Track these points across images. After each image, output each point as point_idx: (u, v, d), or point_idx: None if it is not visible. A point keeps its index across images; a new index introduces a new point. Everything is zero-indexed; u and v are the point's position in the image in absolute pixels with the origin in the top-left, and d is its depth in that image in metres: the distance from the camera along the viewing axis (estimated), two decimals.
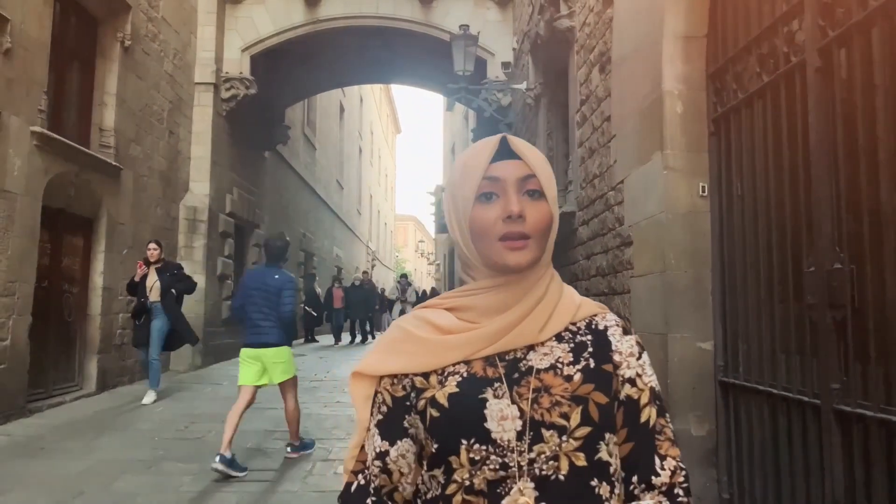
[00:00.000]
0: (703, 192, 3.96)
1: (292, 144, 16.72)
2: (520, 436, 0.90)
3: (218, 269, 11.54)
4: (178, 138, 10.63)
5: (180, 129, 10.69)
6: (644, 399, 0.98)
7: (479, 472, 0.90)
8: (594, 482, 0.90)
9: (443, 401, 0.93)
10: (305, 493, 4.53)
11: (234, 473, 4.76)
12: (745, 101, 3.52)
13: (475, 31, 10.46)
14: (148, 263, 7.61)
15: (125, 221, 8.78)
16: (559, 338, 0.97)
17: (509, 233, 0.94)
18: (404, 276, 20.87)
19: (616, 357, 0.99)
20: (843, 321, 2.63)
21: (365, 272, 22.01)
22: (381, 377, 1.00)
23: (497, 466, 0.89)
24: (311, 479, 4.85)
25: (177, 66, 10.48)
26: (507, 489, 0.89)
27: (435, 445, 0.93)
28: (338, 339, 17.00)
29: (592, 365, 0.96)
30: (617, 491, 0.93)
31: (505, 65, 11.10)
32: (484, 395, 0.92)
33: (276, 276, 5.33)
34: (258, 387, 5.28)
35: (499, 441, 0.90)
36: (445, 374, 0.95)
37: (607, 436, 0.93)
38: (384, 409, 0.99)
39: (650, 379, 1.00)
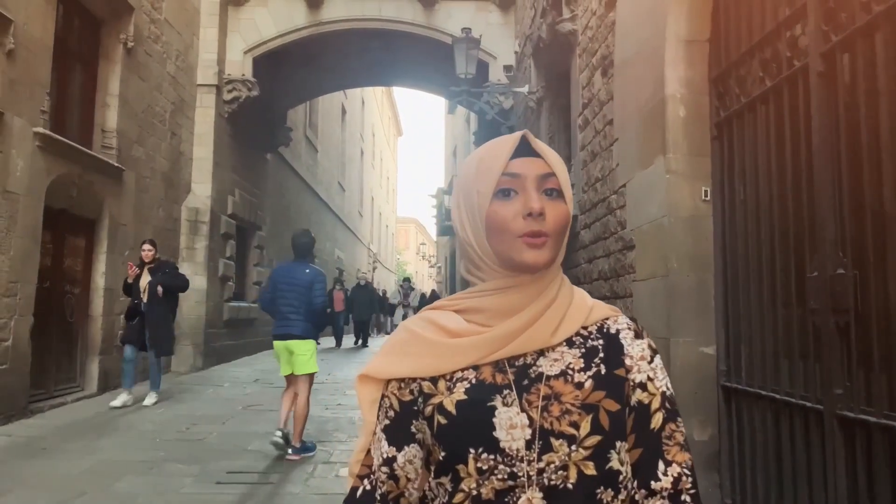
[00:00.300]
0: (706, 196, 3.96)
1: (294, 146, 16.74)
2: (529, 445, 0.88)
3: (219, 270, 11.55)
4: (181, 140, 10.65)
5: (182, 130, 10.70)
6: (655, 404, 0.96)
7: (486, 482, 0.88)
8: (599, 489, 0.89)
9: (451, 408, 0.91)
10: (307, 496, 4.52)
11: (307, 455, 5.30)
12: (748, 106, 3.52)
13: (477, 34, 10.47)
14: (141, 265, 7.51)
15: (127, 222, 8.79)
16: (570, 343, 0.95)
17: (529, 230, 0.91)
18: (407, 279, 20.82)
19: (628, 361, 0.96)
20: (846, 326, 2.63)
21: (363, 273, 21.97)
22: (388, 381, 0.98)
23: (505, 476, 0.87)
24: (312, 481, 4.84)
25: (179, 67, 10.50)
26: (515, 498, 0.87)
27: (442, 453, 0.91)
28: (339, 342, 16.86)
29: (604, 371, 0.94)
30: (621, 496, 0.91)
31: (507, 68, 11.12)
32: (493, 403, 0.90)
33: (307, 271, 5.58)
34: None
35: (507, 450, 0.88)
36: (454, 379, 0.93)
37: (618, 444, 0.91)
38: (391, 413, 0.97)
39: (662, 383, 0.98)
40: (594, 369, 0.93)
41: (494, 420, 0.89)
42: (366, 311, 17.44)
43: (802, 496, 2.92)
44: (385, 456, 0.97)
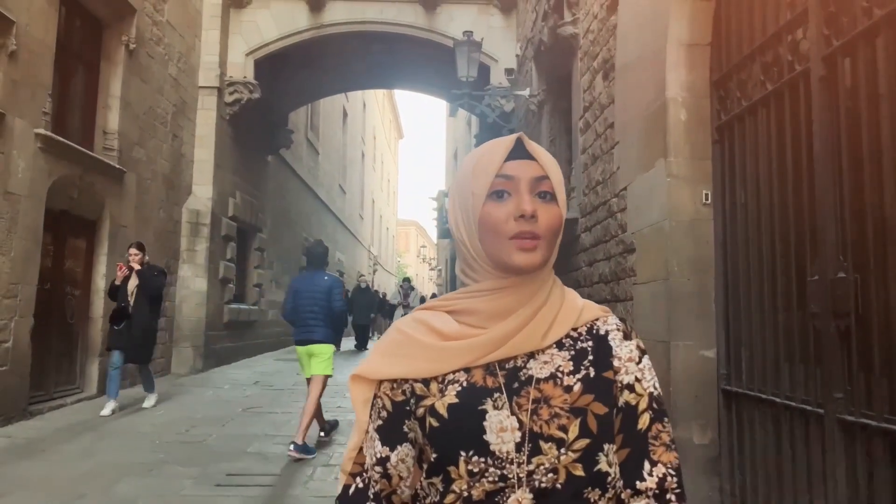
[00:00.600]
0: (707, 199, 3.96)
1: (295, 149, 16.75)
2: (518, 447, 0.89)
3: (220, 272, 11.55)
4: (182, 142, 10.66)
5: (184, 132, 10.71)
6: (642, 405, 0.97)
7: (477, 484, 0.89)
8: (587, 489, 0.90)
9: (442, 411, 0.92)
10: (307, 498, 4.52)
11: (306, 457, 5.35)
12: (749, 110, 3.53)
13: (479, 37, 10.48)
14: (130, 266, 7.28)
15: (128, 224, 8.79)
16: (560, 345, 0.96)
17: (521, 232, 0.92)
18: (407, 280, 20.66)
19: (616, 363, 0.97)
20: (847, 330, 2.62)
21: (364, 276, 21.90)
22: (381, 381, 0.99)
23: (496, 478, 0.89)
24: (312, 483, 4.84)
25: (181, 69, 10.52)
26: (504, 498, 0.89)
27: (434, 454, 0.93)
28: (338, 345, 16.77)
29: (592, 374, 0.95)
30: (608, 495, 0.92)
31: (508, 71, 11.13)
32: (484, 407, 0.91)
33: (325, 278, 5.97)
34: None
35: (497, 453, 0.89)
36: (445, 381, 0.94)
37: (606, 447, 0.92)
38: (384, 413, 0.98)
39: (649, 384, 0.98)
40: (583, 372, 0.94)
41: (485, 424, 0.90)
42: (366, 315, 17.28)
43: (803, 500, 2.92)
44: (378, 456, 0.98)
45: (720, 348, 3.83)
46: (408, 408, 0.96)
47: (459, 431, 0.91)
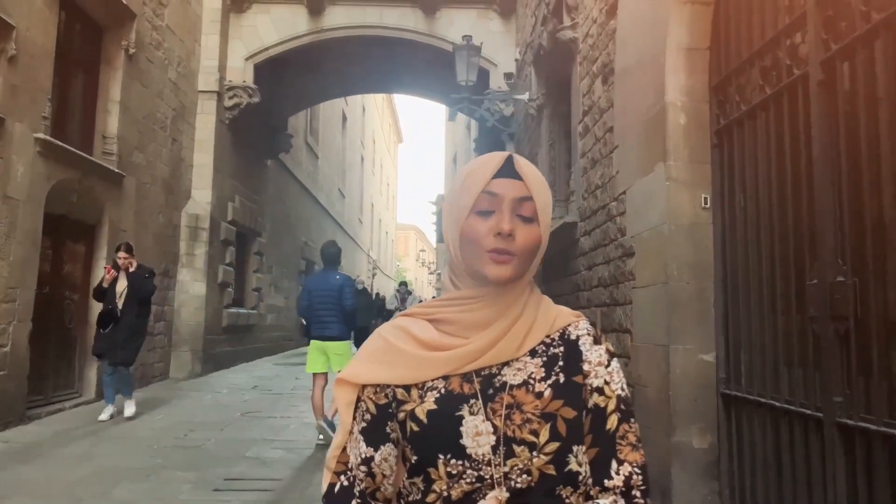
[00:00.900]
0: (706, 203, 3.96)
1: (294, 153, 16.76)
2: (493, 450, 0.95)
3: (219, 276, 11.54)
4: (181, 146, 10.66)
5: (183, 136, 10.72)
6: (611, 406, 1.02)
7: (456, 485, 0.95)
8: (559, 487, 0.96)
9: (422, 416, 0.98)
10: (305, 502, 4.50)
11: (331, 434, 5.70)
12: (748, 114, 3.53)
13: (478, 41, 10.50)
14: (117, 268, 7.01)
15: (127, 228, 8.78)
16: (533, 352, 1.02)
17: (498, 248, 0.98)
18: (404, 283, 20.48)
19: (586, 367, 1.03)
20: (846, 334, 2.62)
21: (361, 279, 21.78)
22: (365, 385, 1.04)
23: (473, 480, 0.95)
24: (311, 488, 4.82)
25: (180, 74, 10.53)
26: (482, 496, 0.94)
27: (414, 457, 0.99)
28: (353, 339, 16.54)
29: (562, 379, 1.00)
30: (580, 491, 0.98)
31: (507, 75, 11.14)
32: (460, 413, 0.97)
33: (337, 277, 6.29)
34: (324, 373, 6.21)
35: (474, 456, 0.95)
36: (425, 388, 1.00)
37: (575, 448, 0.98)
38: (368, 416, 1.03)
39: (618, 386, 1.04)
40: (553, 378, 1.00)
41: (461, 429, 0.96)
42: (365, 317, 17.22)
43: None
44: (363, 456, 1.03)
45: (719, 352, 3.82)
46: (390, 410, 1.02)
47: (438, 436, 0.97)
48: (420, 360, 1.00)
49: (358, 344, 17.19)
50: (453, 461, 0.95)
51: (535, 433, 0.96)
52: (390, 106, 41.74)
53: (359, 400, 1.04)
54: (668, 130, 4.05)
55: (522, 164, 1.03)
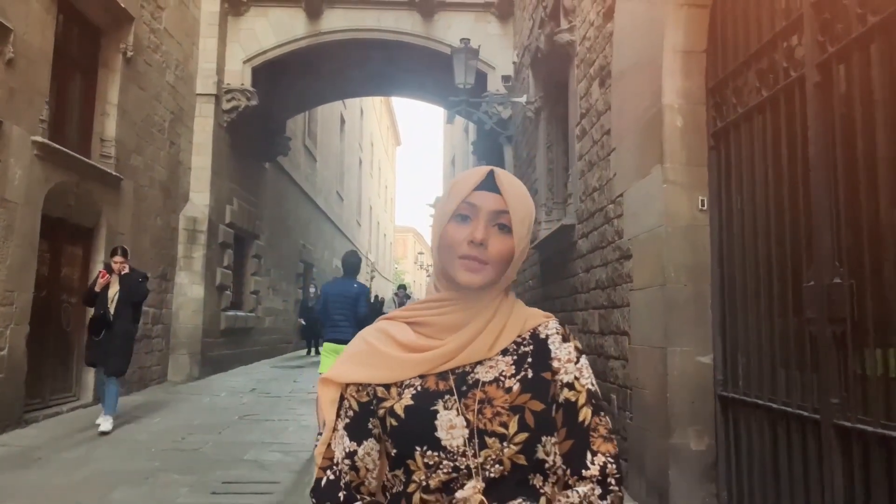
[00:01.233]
0: (703, 205, 3.97)
1: (293, 156, 16.76)
2: (467, 442, 1.02)
3: (217, 279, 11.53)
4: (179, 149, 10.66)
5: (181, 139, 10.72)
6: (581, 400, 1.08)
7: (434, 475, 1.02)
8: (531, 475, 1.03)
9: (400, 412, 1.05)
10: None
11: None
12: (745, 116, 3.54)
13: (476, 44, 10.51)
14: (111, 272, 6.68)
15: (125, 231, 8.77)
16: (505, 351, 1.09)
17: (469, 254, 1.05)
18: (402, 286, 20.47)
19: (555, 364, 1.10)
20: (843, 335, 2.63)
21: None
22: (348, 384, 1.11)
23: (449, 470, 1.02)
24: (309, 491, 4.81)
25: (179, 76, 10.53)
26: (459, 485, 1.01)
27: (394, 450, 1.06)
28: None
29: (531, 375, 1.07)
30: (552, 480, 1.05)
31: (505, 78, 11.15)
32: (435, 408, 1.04)
33: (355, 286, 6.51)
34: None
35: (449, 448, 1.02)
36: (403, 386, 1.07)
37: (544, 438, 1.04)
38: (351, 413, 1.10)
39: (587, 381, 1.10)
40: (522, 373, 1.07)
41: (436, 422, 1.04)
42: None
43: None
44: (347, 450, 1.10)
45: (717, 354, 3.83)
46: (371, 408, 1.09)
47: (414, 430, 1.04)
48: (398, 361, 1.08)
49: None
50: (430, 452, 1.02)
51: (505, 425, 1.02)
52: (388, 109, 41.75)
53: (342, 398, 1.11)
54: (665, 133, 4.06)
55: (503, 178, 1.10)
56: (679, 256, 3.96)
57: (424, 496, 1.02)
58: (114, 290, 6.68)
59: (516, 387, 1.05)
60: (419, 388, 1.07)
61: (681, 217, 3.99)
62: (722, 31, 3.87)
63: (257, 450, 5.97)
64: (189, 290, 10.75)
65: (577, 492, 1.03)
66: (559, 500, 1.04)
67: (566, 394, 1.08)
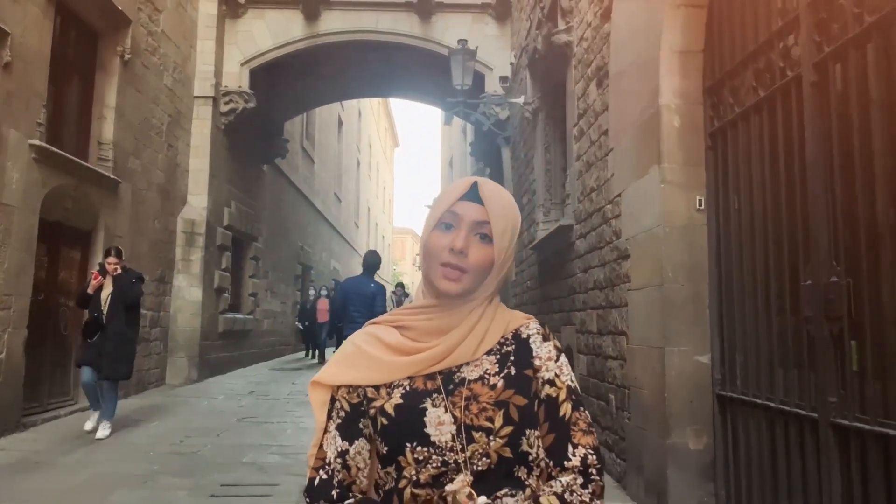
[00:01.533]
0: (700, 205, 3.97)
1: (291, 158, 16.75)
2: (455, 438, 1.07)
3: (215, 281, 11.52)
4: (177, 151, 10.65)
5: (179, 142, 10.71)
6: (562, 396, 1.14)
7: (423, 470, 1.06)
8: (516, 467, 1.08)
9: (390, 410, 1.10)
10: None
11: None
12: (742, 116, 3.54)
13: (473, 45, 10.51)
14: (104, 273, 6.50)
15: (123, 234, 8.76)
16: (488, 351, 1.14)
17: (449, 262, 1.10)
18: (400, 285, 20.29)
19: (536, 362, 1.15)
20: (840, 334, 2.63)
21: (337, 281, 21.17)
22: (339, 386, 1.15)
23: (439, 464, 1.06)
24: None
25: (176, 79, 10.52)
26: (449, 480, 1.05)
27: (385, 448, 1.10)
28: (322, 356, 15.40)
29: (514, 372, 1.13)
30: (535, 473, 1.10)
31: (503, 79, 11.16)
32: (424, 405, 1.09)
33: (372, 285, 6.80)
34: None
35: (437, 443, 1.07)
36: (392, 386, 1.12)
37: (528, 431, 1.09)
38: (342, 413, 1.14)
39: (567, 378, 1.16)
40: (506, 371, 1.13)
41: (425, 419, 1.08)
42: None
43: None
44: (339, 449, 1.14)
45: (714, 353, 3.83)
46: (362, 409, 1.14)
47: (404, 426, 1.08)
48: (387, 364, 1.12)
49: None
50: (419, 448, 1.07)
51: (491, 419, 1.08)
52: (386, 110, 41.76)
53: (333, 400, 1.15)
54: (663, 133, 4.06)
55: (487, 190, 1.14)
56: (677, 256, 3.97)
57: (415, 490, 1.06)
58: (107, 292, 6.49)
59: (500, 383, 1.11)
60: (408, 388, 1.11)
61: (678, 217, 3.99)
62: (719, 31, 3.87)
63: (256, 452, 5.96)
64: (187, 292, 10.74)
65: (561, 481, 1.08)
66: (543, 491, 1.08)
67: (547, 390, 1.14)
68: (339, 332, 15.41)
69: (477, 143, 14.33)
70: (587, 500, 1.08)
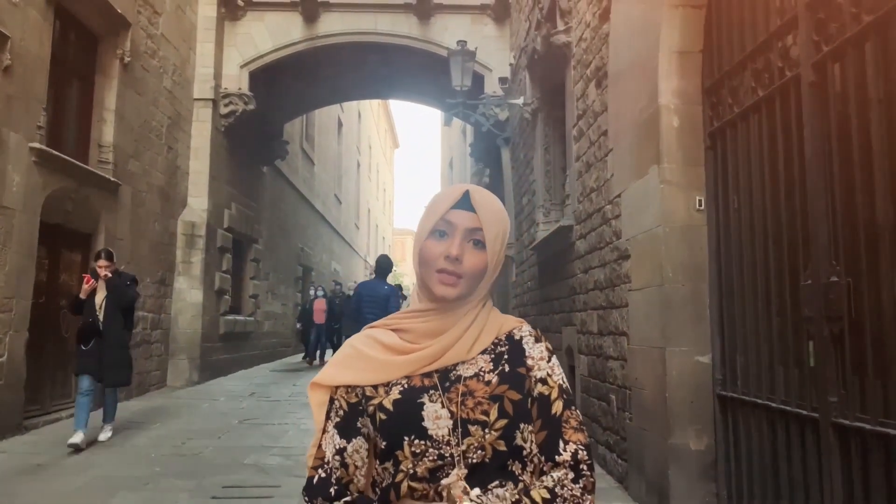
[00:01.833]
0: (700, 205, 3.98)
1: (291, 159, 16.76)
2: (451, 432, 1.10)
3: (216, 283, 11.53)
4: (177, 154, 10.66)
5: (179, 144, 10.72)
6: (554, 394, 1.18)
7: (420, 463, 1.10)
8: (510, 461, 1.11)
9: (389, 405, 1.14)
10: None
11: None
12: (741, 115, 3.55)
13: (473, 46, 10.52)
14: (96, 277, 6.25)
15: (123, 237, 8.77)
16: (483, 351, 1.19)
17: (445, 269, 1.14)
18: (398, 286, 20.23)
19: (529, 361, 1.20)
20: (840, 334, 2.63)
21: (352, 283, 21.02)
22: (337, 387, 1.19)
23: (435, 457, 1.09)
24: None
25: (176, 82, 10.53)
26: (445, 474, 1.08)
27: (383, 443, 1.13)
28: (322, 357, 15.01)
29: (508, 369, 1.17)
30: (529, 469, 1.13)
31: (502, 80, 11.16)
32: (421, 400, 1.13)
33: (385, 287, 7.07)
34: None
35: (435, 437, 1.10)
36: (390, 385, 1.16)
37: (522, 425, 1.13)
38: (341, 412, 1.18)
39: (558, 378, 1.21)
40: (500, 368, 1.18)
41: (423, 413, 1.12)
42: (354, 326, 16.79)
43: None
44: (337, 447, 1.17)
45: (715, 353, 3.83)
46: (360, 407, 1.17)
47: (402, 420, 1.12)
48: (385, 363, 1.16)
49: None
50: (417, 441, 1.10)
51: (486, 413, 1.11)
52: (386, 111, 41.77)
53: (332, 400, 1.19)
54: (662, 133, 4.07)
55: (479, 197, 1.18)
56: (677, 256, 3.97)
57: (412, 484, 1.09)
58: (101, 296, 6.27)
59: (495, 379, 1.15)
60: (406, 386, 1.15)
61: (678, 217, 4.00)
62: (717, 31, 3.88)
63: (257, 454, 5.97)
64: (188, 294, 10.75)
65: (552, 476, 1.12)
66: (535, 485, 1.11)
67: (540, 388, 1.18)
68: (337, 333, 15.69)
69: (477, 144, 14.34)
70: (578, 494, 1.11)
